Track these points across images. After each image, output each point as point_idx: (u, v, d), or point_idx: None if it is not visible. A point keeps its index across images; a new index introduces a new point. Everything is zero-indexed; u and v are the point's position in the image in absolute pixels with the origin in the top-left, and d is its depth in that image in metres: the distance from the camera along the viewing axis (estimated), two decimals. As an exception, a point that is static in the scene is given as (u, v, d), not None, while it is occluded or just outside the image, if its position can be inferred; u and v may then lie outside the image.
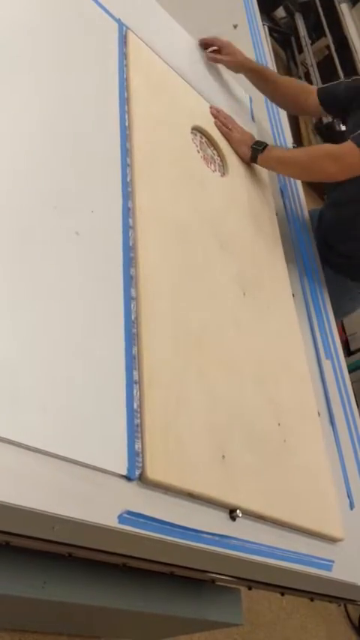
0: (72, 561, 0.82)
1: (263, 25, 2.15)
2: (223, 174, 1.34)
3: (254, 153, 1.41)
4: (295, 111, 1.75)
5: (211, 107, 1.42)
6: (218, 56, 1.54)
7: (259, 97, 1.78)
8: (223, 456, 0.86)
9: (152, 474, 0.73)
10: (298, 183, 1.78)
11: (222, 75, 1.59)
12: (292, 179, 1.74)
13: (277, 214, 1.47)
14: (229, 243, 1.18)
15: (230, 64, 1.55)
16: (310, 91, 1.60)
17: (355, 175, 1.37)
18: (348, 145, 1.33)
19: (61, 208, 0.82)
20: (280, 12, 4.25)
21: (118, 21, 1.21)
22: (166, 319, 0.89)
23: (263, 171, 1.52)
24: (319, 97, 1.56)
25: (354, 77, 1.56)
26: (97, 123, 0.99)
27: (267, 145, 1.42)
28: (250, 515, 0.87)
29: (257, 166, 1.47)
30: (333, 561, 1.01)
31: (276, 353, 1.15)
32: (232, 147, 1.41)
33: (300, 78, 3.81)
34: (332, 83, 1.61)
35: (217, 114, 1.41)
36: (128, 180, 0.98)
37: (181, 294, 0.96)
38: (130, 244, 0.91)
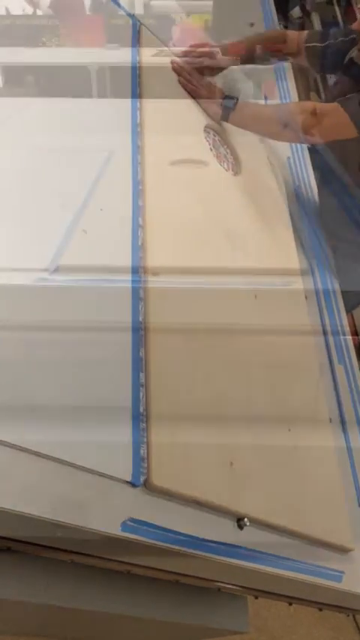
0: (75, 566, 0.80)
1: (279, 24, 2.13)
2: (236, 173, 1.31)
3: (225, 112, 1.25)
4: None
5: (172, 62, 1.25)
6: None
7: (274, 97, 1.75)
8: (231, 463, 0.84)
9: (157, 480, 0.71)
10: (313, 183, 1.74)
11: (234, 72, 1.56)
12: (306, 179, 1.71)
13: (290, 215, 1.44)
14: (241, 244, 1.16)
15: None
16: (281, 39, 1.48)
17: (337, 138, 1.28)
18: (333, 105, 1.24)
19: (68, 206, 0.80)
20: (297, 11, 4.22)
21: (132, 16, 1.20)
22: (174, 321, 0.87)
23: (277, 171, 1.49)
24: (308, 54, 1.47)
25: (340, 39, 1.45)
26: (107, 119, 0.98)
27: (238, 100, 1.26)
28: (258, 523, 0.85)
29: (271, 165, 1.44)
30: (343, 572, 0.98)
31: (287, 357, 1.12)
32: (201, 106, 1.27)
33: (315, 78, 3.77)
34: (319, 41, 1.47)
35: (180, 70, 1.24)
36: (139, 178, 0.96)
37: (191, 295, 0.94)
38: (140, 244, 0.89)
